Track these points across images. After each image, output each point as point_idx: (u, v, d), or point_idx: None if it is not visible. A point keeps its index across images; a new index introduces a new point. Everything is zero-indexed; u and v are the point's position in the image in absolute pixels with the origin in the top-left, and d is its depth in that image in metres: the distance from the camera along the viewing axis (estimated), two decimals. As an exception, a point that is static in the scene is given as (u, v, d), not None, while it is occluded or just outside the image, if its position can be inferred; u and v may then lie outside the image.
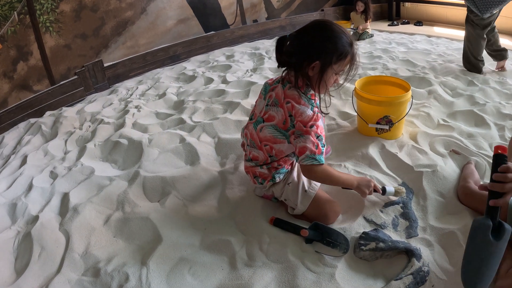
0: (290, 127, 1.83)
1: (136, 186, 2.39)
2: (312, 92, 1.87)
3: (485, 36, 3.82)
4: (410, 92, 2.56)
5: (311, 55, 1.73)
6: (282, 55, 1.80)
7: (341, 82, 1.89)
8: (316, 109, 1.83)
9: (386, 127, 2.56)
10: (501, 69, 3.99)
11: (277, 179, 2.02)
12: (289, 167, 2.09)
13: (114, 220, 2.13)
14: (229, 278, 1.72)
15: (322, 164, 1.79)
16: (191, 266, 1.79)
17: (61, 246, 1.98)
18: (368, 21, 5.96)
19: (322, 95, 1.86)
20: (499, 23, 5.85)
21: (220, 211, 2.17)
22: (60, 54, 4.32)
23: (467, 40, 3.95)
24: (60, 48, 4.31)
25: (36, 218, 2.19)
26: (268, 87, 1.99)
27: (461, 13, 5.77)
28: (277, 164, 2.01)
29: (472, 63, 3.95)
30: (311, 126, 1.77)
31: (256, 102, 2.11)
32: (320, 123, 1.82)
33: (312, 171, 1.80)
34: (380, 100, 2.53)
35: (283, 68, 1.89)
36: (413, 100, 3.10)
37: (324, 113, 1.91)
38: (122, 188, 2.38)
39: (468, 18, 3.84)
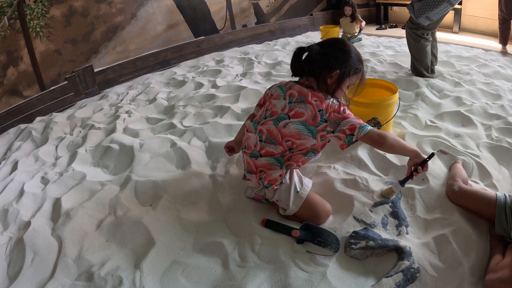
0: (321, 122, 1.90)
1: (128, 190, 2.40)
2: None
3: (425, 40, 3.84)
4: (397, 94, 2.60)
5: (333, 65, 1.92)
6: (300, 64, 1.99)
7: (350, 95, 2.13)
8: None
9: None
10: None
11: (283, 181, 2.04)
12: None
13: (107, 224, 2.14)
14: (222, 279, 1.74)
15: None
16: (184, 269, 1.80)
17: (54, 251, 1.99)
18: (358, 24, 6.01)
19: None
20: (485, 25, 5.96)
21: (211, 214, 2.19)
22: (50, 60, 4.32)
23: (408, 45, 4.03)
24: (50, 53, 4.32)
25: (28, 224, 2.19)
26: (284, 87, 2.05)
27: (448, 16, 5.84)
28: (296, 165, 2.04)
29: (416, 68, 4.00)
30: (344, 111, 1.92)
31: (263, 103, 2.18)
32: None
33: (381, 136, 1.88)
34: (367, 102, 2.56)
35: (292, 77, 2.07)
36: (401, 102, 3.14)
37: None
38: (114, 193, 2.40)
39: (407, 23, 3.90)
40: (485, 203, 1.87)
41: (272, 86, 2.15)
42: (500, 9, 4.91)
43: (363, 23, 6.00)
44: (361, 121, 1.89)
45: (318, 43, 2.01)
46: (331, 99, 1.93)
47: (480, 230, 1.86)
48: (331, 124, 1.90)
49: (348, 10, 5.90)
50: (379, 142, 1.88)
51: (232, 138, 2.86)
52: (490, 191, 1.96)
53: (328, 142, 2.03)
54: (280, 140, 1.96)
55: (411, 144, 2.06)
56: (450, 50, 5.17)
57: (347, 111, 1.92)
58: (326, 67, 1.92)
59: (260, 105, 2.23)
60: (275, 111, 2.00)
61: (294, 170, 2.10)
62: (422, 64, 3.90)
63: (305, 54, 2.00)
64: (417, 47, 3.86)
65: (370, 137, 1.86)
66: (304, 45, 2.00)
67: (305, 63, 1.98)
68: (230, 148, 2.38)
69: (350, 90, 2.10)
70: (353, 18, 5.94)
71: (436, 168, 2.31)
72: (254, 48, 6.11)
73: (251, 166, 2.08)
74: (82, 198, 2.40)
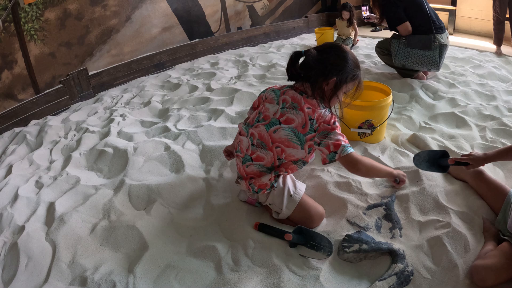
0: (310, 131, 1.91)
1: (121, 194, 2.40)
2: (324, 104, 2.01)
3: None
4: (390, 96, 2.61)
5: (330, 71, 1.92)
6: (296, 69, 1.98)
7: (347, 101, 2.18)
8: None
9: (368, 131, 2.59)
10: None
11: (275, 185, 2.04)
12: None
13: (100, 228, 2.13)
14: (216, 283, 1.74)
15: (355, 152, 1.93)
16: (177, 273, 1.80)
17: (48, 256, 1.98)
18: (353, 29, 6.00)
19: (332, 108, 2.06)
20: (479, 26, 5.99)
21: (205, 217, 2.19)
22: (44, 63, 4.31)
23: (382, 60, 4.21)
24: (45, 57, 4.30)
25: (22, 228, 2.18)
26: (278, 92, 2.05)
27: (442, 18, 5.88)
28: (285, 171, 2.04)
29: (402, 73, 4.03)
30: (334, 123, 1.93)
31: (257, 105, 2.17)
32: None
33: (357, 161, 1.92)
34: (361, 105, 2.57)
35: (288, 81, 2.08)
36: (395, 104, 3.15)
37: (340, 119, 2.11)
38: (107, 197, 2.39)
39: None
40: (498, 192, 1.95)
41: (266, 89, 2.15)
42: (495, 10, 4.94)
43: (357, 38, 6.02)
44: (346, 140, 1.90)
45: (316, 48, 2.00)
46: (324, 109, 1.94)
47: (474, 232, 1.86)
48: (319, 134, 1.90)
49: (346, 14, 5.91)
50: (355, 167, 1.93)
51: (226, 141, 2.88)
52: (506, 186, 2.00)
53: None
54: (271, 145, 1.97)
55: (385, 167, 2.13)
56: (445, 51, 5.18)
57: (337, 123, 1.93)
58: (323, 73, 1.91)
59: (254, 108, 2.23)
60: (267, 116, 2.00)
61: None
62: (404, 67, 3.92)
63: (302, 58, 1.99)
64: (390, 59, 3.93)
65: (348, 161, 1.91)
66: (300, 48, 2.00)
67: (301, 68, 1.97)
68: (229, 153, 2.39)
69: (346, 96, 2.11)
70: (350, 22, 5.95)
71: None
72: (248, 51, 6.11)
73: (241, 172, 2.10)
74: (76, 202, 2.39)
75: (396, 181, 2.17)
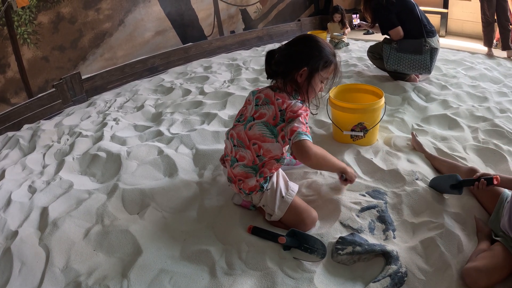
0: (280, 121, 1.92)
1: (115, 199, 2.39)
2: (298, 97, 2.01)
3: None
4: (383, 99, 2.62)
5: (300, 63, 1.93)
6: (271, 66, 1.98)
7: (324, 90, 2.11)
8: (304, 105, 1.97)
9: (361, 133, 2.60)
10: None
11: (265, 187, 2.04)
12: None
13: (94, 233, 2.12)
14: (210, 287, 1.73)
15: (311, 141, 1.83)
16: (171, 277, 1.80)
17: (42, 261, 1.97)
18: (346, 30, 6.04)
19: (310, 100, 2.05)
20: (471, 28, 6.04)
21: (199, 221, 2.18)
22: (37, 66, 4.30)
23: (374, 64, 4.28)
24: (38, 60, 4.30)
25: (15, 233, 2.17)
26: (255, 92, 2.09)
27: (435, 21, 5.92)
28: (270, 172, 2.04)
29: (394, 75, 4.04)
30: (301, 113, 1.89)
31: (242, 109, 2.17)
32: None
33: (309, 149, 1.79)
34: (353, 108, 2.58)
35: (270, 80, 2.09)
36: (388, 106, 3.17)
37: (313, 113, 2.07)
38: (101, 201, 2.38)
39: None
40: (492, 192, 1.98)
41: (249, 93, 2.18)
42: (483, 13, 5.00)
43: (348, 30, 6.05)
44: (305, 128, 1.84)
45: (286, 43, 2.04)
46: (295, 101, 1.94)
47: (467, 233, 1.89)
48: (286, 123, 1.90)
49: (337, 17, 5.95)
50: (306, 156, 1.80)
51: (219, 145, 2.89)
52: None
53: None
54: (248, 143, 2.00)
55: (338, 160, 2.06)
56: (437, 53, 5.21)
57: (304, 114, 1.90)
58: (293, 66, 1.93)
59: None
60: (246, 116, 2.05)
61: (280, 174, 2.11)
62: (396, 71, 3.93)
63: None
64: (382, 63, 3.95)
65: (298, 148, 1.80)
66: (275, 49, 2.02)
67: (274, 65, 1.99)
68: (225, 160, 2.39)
69: (327, 86, 2.11)
70: (343, 24, 5.98)
71: (424, 172, 2.33)
72: (242, 54, 6.11)
73: (230, 175, 2.13)
74: (69, 207, 2.38)
75: (343, 178, 2.14)
